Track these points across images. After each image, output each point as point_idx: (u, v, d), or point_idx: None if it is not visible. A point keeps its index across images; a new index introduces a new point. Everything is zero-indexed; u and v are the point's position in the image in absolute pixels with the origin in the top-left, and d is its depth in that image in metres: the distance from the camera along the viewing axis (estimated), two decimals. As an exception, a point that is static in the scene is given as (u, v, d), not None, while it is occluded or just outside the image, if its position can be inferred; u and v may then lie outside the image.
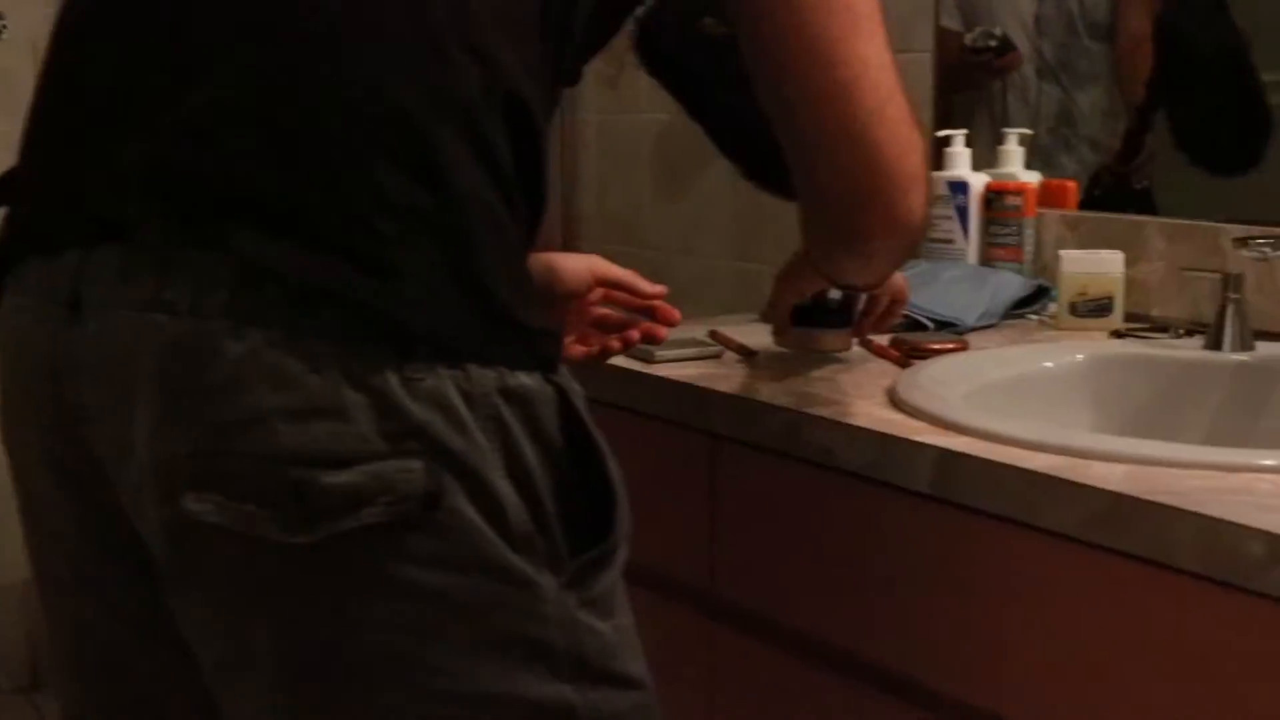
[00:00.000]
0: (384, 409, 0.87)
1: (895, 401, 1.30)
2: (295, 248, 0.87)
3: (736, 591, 1.43)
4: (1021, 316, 1.74)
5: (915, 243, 1.22)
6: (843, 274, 1.29)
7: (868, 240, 1.16)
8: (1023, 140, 1.87)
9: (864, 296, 1.47)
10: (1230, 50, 1.74)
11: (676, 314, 1.40)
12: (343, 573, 0.88)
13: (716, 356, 1.54)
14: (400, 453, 0.87)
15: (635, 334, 1.39)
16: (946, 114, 1.97)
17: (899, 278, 1.47)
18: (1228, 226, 1.61)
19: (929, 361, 1.44)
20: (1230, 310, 1.46)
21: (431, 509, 0.87)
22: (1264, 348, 1.46)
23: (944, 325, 1.64)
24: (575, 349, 1.37)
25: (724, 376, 1.44)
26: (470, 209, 0.90)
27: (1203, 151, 1.79)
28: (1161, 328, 1.61)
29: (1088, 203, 1.86)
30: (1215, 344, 1.46)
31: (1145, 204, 1.83)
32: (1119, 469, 1.08)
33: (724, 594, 1.44)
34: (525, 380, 0.91)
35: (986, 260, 1.83)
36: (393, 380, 0.87)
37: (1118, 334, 1.61)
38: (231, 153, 0.89)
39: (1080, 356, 1.49)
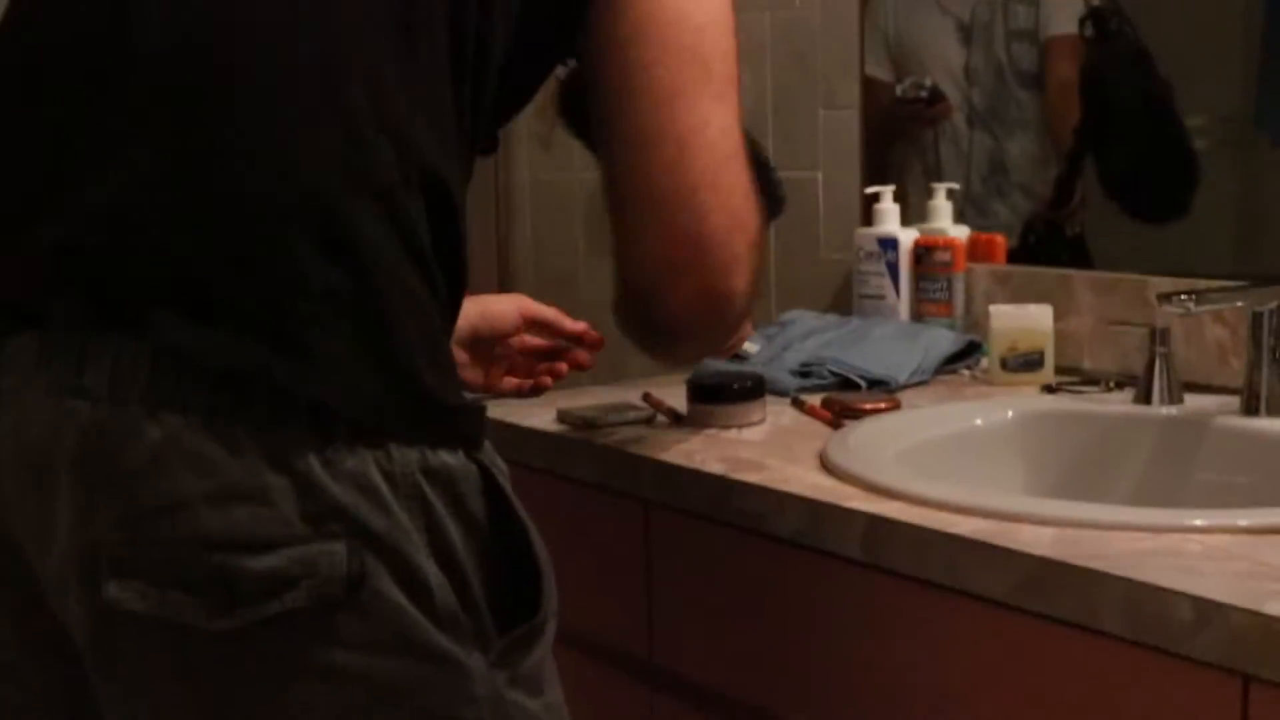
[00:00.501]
0: (305, 491, 0.86)
1: (826, 465, 1.30)
2: (213, 332, 0.86)
3: (675, 660, 1.42)
4: (954, 372, 1.74)
5: (730, 332, 1.14)
6: (650, 351, 1.20)
7: (675, 319, 1.06)
8: (951, 194, 1.88)
9: None
10: (1154, 99, 1.76)
11: (599, 336, 1.42)
12: (268, 658, 0.87)
13: (649, 420, 1.53)
14: (323, 535, 0.86)
15: (563, 366, 1.40)
16: (878, 167, 1.98)
17: None
18: (1154, 279, 1.63)
19: (860, 422, 1.44)
20: (1158, 364, 1.46)
21: (355, 591, 0.87)
22: (1192, 400, 1.46)
23: (876, 383, 1.64)
24: (508, 382, 1.38)
25: (656, 441, 1.43)
26: (389, 290, 0.89)
27: (1130, 200, 1.80)
28: (1092, 381, 1.62)
29: (1021, 250, 1.87)
30: (1144, 398, 1.46)
31: (1079, 251, 1.85)
32: (1047, 532, 1.08)
33: (662, 662, 1.43)
34: (448, 459, 0.91)
35: (918, 316, 1.84)
36: (314, 462, 0.86)
37: (1049, 388, 1.61)
38: (148, 236, 0.88)
39: (1010, 413, 1.49)
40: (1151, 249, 1.71)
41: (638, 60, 0.99)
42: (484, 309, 1.38)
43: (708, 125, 1.00)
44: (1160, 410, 1.45)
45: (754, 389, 1.50)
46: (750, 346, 1.76)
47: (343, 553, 0.86)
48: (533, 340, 1.42)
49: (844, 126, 1.98)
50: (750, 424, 1.49)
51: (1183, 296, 1.33)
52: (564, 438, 1.49)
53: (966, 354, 1.75)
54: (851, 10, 1.97)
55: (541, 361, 1.44)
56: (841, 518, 1.18)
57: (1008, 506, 1.12)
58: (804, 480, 1.26)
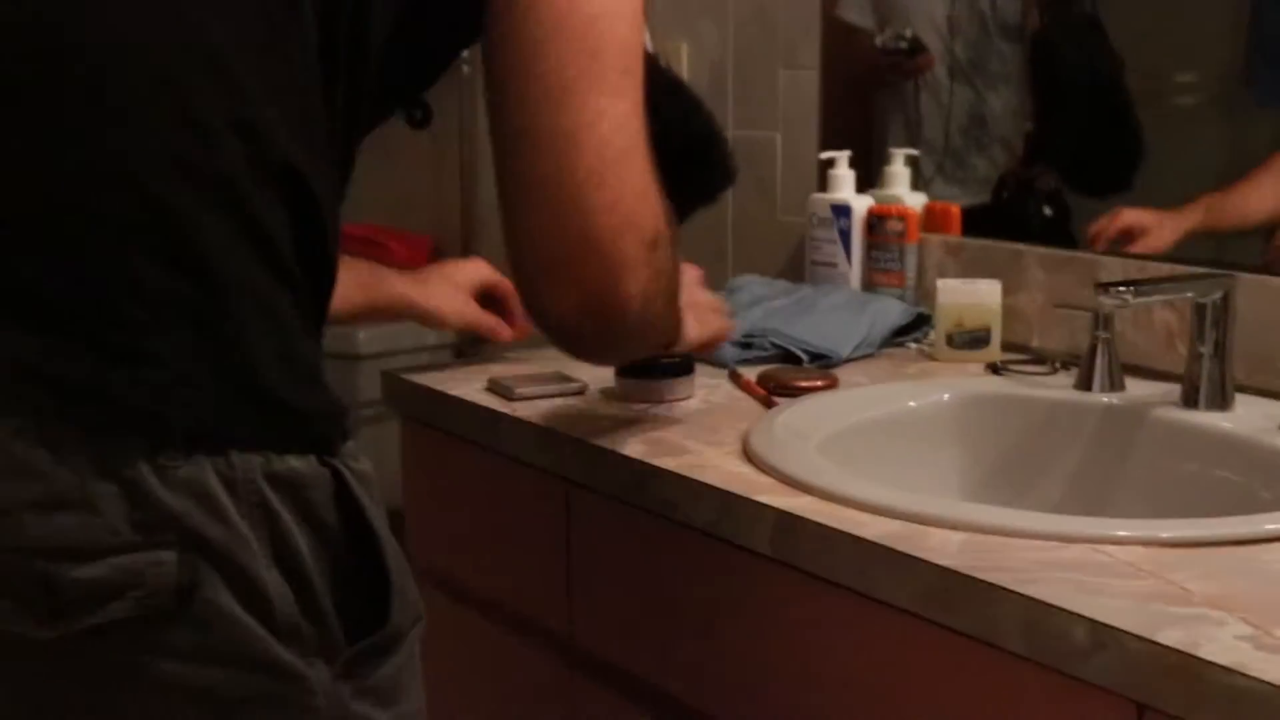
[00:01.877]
0: (135, 499, 0.83)
1: (747, 452, 1.26)
2: (43, 338, 0.83)
3: (593, 640, 1.39)
4: (902, 345, 1.70)
5: (634, 338, 1.07)
6: (565, 353, 1.13)
7: (562, 324, 1.00)
8: (910, 160, 1.84)
9: None
10: (1102, 73, 1.71)
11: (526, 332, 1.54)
12: (96, 669, 0.85)
13: (580, 393, 1.49)
14: (153, 544, 0.84)
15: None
16: (841, 128, 1.93)
17: (713, 318, 1.36)
18: (1105, 260, 1.58)
19: (792, 403, 1.40)
20: (1100, 349, 1.42)
21: (186, 602, 0.84)
22: (1135, 387, 1.42)
23: (818, 357, 1.60)
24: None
25: (581, 418, 1.40)
26: (233, 293, 0.86)
27: (1071, 172, 1.76)
28: (1040, 360, 1.58)
29: (995, 204, 1.83)
30: (1085, 384, 1.43)
31: (1058, 205, 1.80)
32: (956, 537, 1.05)
33: (581, 642, 1.40)
34: (296, 464, 0.88)
35: (869, 285, 1.80)
36: (145, 469, 0.84)
37: (994, 367, 1.57)
38: None
39: (947, 396, 1.45)
40: (1133, 203, 1.65)
41: (523, 52, 0.94)
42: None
43: (600, 120, 0.94)
44: (1100, 398, 1.41)
45: (682, 365, 1.46)
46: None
47: (173, 562, 0.83)
48: None
49: (804, 87, 1.93)
50: (679, 400, 1.45)
51: (1121, 288, 1.28)
52: (488, 410, 1.46)
53: (915, 326, 1.71)
54: (814, -33, 1.92)
55: None
56: (752, 511, 1.15)
57: (918, 508, 1.09)
58: (721, 469, 1.23)
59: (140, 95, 0.85)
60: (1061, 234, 1.77)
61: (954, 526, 1.06)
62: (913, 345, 1.70)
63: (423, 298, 1.52)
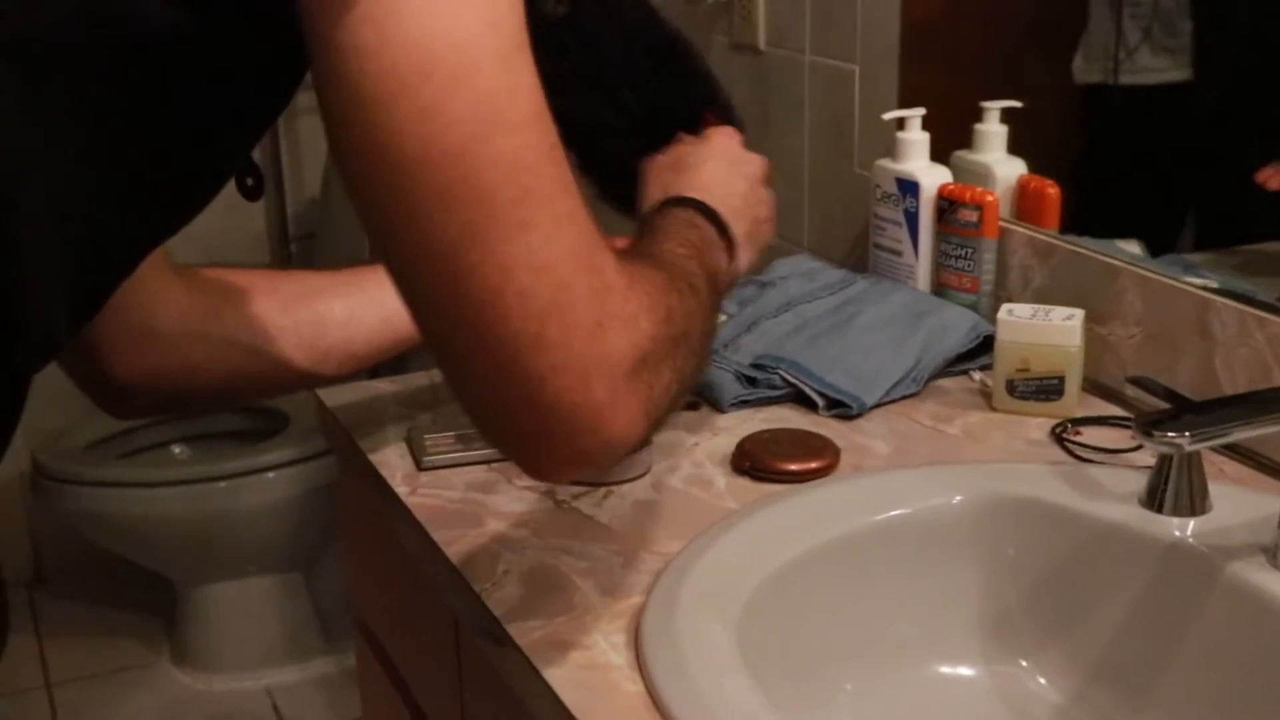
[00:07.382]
0: None
1: (637, 627, 0.94)
2: None
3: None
4: (964, 373, 1.33)
5: (645, 438, 0.89)
6: None
7: (548, 478, 0.95)
8: (1007, 115, 1.43)
9: None
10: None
11: None
12: None
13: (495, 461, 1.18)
14: None
15: None
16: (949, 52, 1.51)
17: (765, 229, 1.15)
18: (1218, 300, 1.18)
19: (740, 517, 1.07)
20: (1174, 462, 1.03)
21: None
22: (1227, 504, 1.03)
23: (836, 404, 1.26)
24: None
25: (478, 513, 1.09)
26: None
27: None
28: (1128, 420, 1.21)
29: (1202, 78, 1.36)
30: (1153, 500, 1.04)
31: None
32: None
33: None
34: None
35: (939, 285, 1.42)
36: None
37: (1059, 432, 1.20)
38: None
39: (958, 499, 1.08)
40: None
41: (381, 203, 0.72)
42: None
43: (510, 274, 0.72)
44: (1169, 526, 1.02)
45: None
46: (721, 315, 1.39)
47: None
48: None
49: (884, 13, 1.52)
50: (627, 480, 1.14)
51: (1171, 433, 0.90)
52: (386, 486, 1.16)
53: (984, 350, 1.34)
54: None
55: None
56: (588, 752, 0.85)
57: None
58: (584, 657, 0.91)
59: None
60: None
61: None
62: (977, 375, 1.33)
63: None
